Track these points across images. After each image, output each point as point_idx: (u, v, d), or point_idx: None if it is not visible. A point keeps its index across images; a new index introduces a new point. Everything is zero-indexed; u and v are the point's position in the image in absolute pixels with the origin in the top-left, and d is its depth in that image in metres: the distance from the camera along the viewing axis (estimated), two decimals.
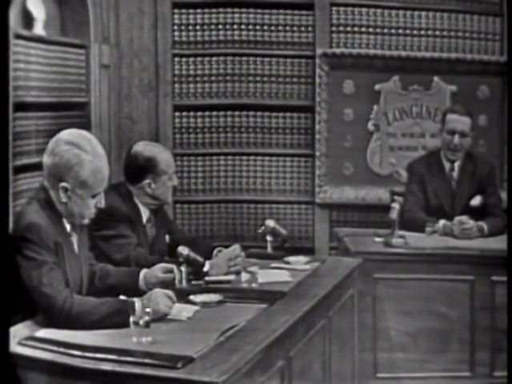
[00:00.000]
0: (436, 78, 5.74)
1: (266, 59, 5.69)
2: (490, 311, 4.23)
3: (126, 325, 2.65)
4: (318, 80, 5.65)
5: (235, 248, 3.60)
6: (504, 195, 5.00)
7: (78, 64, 5.05)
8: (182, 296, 3.05)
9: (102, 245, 3.51)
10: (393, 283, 4.23)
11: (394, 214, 4.27)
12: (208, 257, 3.48)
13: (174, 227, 4.05)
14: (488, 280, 4.23)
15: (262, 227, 4.08)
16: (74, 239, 2.96)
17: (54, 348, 2.46)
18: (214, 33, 5.65)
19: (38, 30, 4.77)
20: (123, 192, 3.67)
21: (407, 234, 4.34)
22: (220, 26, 5.65)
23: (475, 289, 4.24)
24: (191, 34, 5.65)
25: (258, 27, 5.66)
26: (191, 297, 3.07)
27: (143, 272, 3.15)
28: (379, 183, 5.70)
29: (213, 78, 5.67)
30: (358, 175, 5.75)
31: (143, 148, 3.70)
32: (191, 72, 5.67)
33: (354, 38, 5.68)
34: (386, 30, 5.68)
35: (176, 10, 5.63)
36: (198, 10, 5.64)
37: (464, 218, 4.44)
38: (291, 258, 3.86)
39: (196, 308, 2.97)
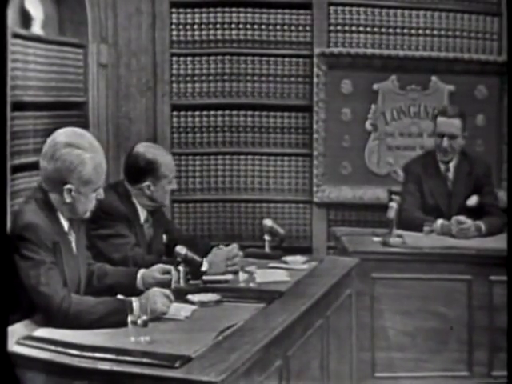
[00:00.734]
0: (434, 78, 5.74)
1: (264, 58, 5.69)
2: (488, 311, 4.23)
3: (124, 324, 2.66)
4: (315, 79, 5.65)
5: (233, 247, 3.60)
6: (503, 195, 5.02)
7: (76, 63, 5.05)
8: (180, 295, 3.05)
9: (100, 244, 3.51)
10: (391, 282, 4.23)
11: (391, 214, 4.28)
12: (206, 256, 3.48)
13: (171, 227, 4.05)
14: (486, 279, 4.23)
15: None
16: (72, 238, 2.96)
17: (52, 347, 2.46)
18: (211, 32, 5.65)
19: (36, 29, 4.77)
20: (121, 191, 3.67)
21: (405, 234, 4.34)
22: (218, 26, 5.64)
23: (473, 288, 4.24)
24: (189, 33, 5.65)
25: (255, 26, 5.66)
26: (189, 296, 3.07)
27: (141, 272, 3.15)
28: (377, 183, 5.70)
29: (211, 78, 5.67)
30: (356, 175, 5.76)
31: (146, 150, 3.70)
32: (189, 71, 5.67)
33: (351, 37, 5.68)
34: (383, 30, 5.68)
35: (174, 10, 5.63)
36: (196, 10, 5.64)
37: (462, 217, 4.44)
38: (289, 258, 3.86)
39: (194, 307, 2.97)
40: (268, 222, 4.06)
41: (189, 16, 5.64)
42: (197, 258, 3.32)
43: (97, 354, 2.41)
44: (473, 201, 4.62)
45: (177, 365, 2.34)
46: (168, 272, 3.15)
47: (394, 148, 5.78)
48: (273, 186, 5.75)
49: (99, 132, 5.21)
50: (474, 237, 4.41)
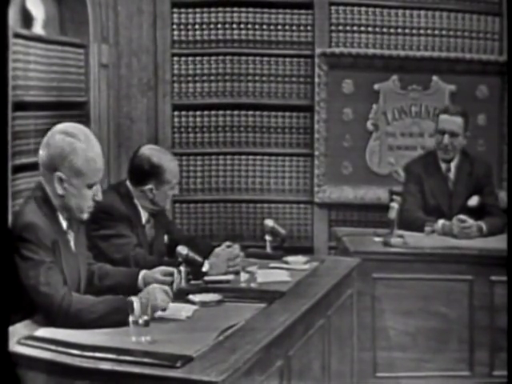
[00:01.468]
0: (435, 78, 5.74)
1: (265, 58, 5.69)
2: (489, 311, 4.23)
3: (124, 324, 2.65)
4: (317, 79, 5.65)
5: (234, 248, 3.60)
6: (503, 194, 5.01)
7: (77, 63, 5.05)
8: (181, 295, 3.05)
9: (101, 244, 3.51)
10: (392, 283, 4.23)
11: (392, 214, 4.28)
12: (207, 256, 3.48)
13: (172, 227, 4.05)
14: (487, 280, 4.23)
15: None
16: (71, 237, 2.96)
17: (53, 347, 2.46)
18: (213, 32, 5.65)
19: (37, 29, 4.77)
20: (123, 192, 3.66)
21: (406, 234, 4.35)
22: (219, 26, 5.64)
23: (474, 288, 4.24)
24: (190, 33, 5.65)
25: (257, 26, 5.66)
26: (190, 296, 3.07)
27: (142, 273, 3.15)
28: (378, 183, 5.70)
29: (212, 78, 5.67)
30: (357, 175, 5.75)
31: (152, 153, 3.69)
32: (190, 71, 5.67)
33: (353, 37, 5.68)
34: (385, 30, 5.68)
35: (175, 9, 5.63)
36: (197, 10, 5.64)
37: (463, 216, 4.44)
38: (290, 258, 3.86)
39: (195, 307, 2.97)
40: (269, 223, 4.06)
41: (190, 16, 5.64)
42: (198, 258, 3.32)
43: (98, 354, 2.41)
44: (474, 201, 4.62)
45: (178, 365, 2.34)
46: (170, 274, 3.15)
47: (395, 148, 5.78)
48: (274, 186, 5.75)
49: (100, 132, 5.21)
50: (475, 237, 4.41)
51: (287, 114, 5.72)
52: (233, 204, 5.72)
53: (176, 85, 5.67)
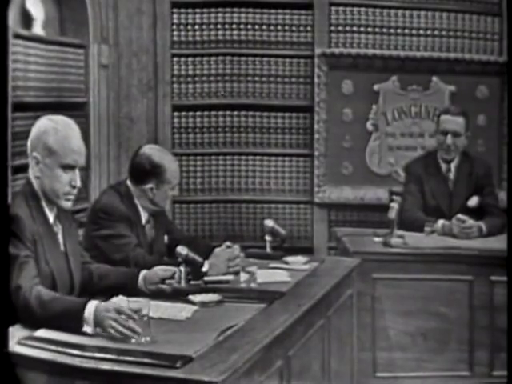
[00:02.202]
0: (435, 78, 5.74)
1: (265, 59, 5.69)
2: (489, 311, 4.23)
3: (75, 329, 2.58)
4: (316, 80, 5.66)
5: (234, 248, 3.60)
6: (503, 195, 5.01)
7: (77, 64, 5.05)
8: (181, 296, 3.05)
9: (101, 244, 3.51)
10: (392, 283, 4.23)
11: (392, 214, 4.28)
12: (207, 257, 3.48)
13: (172, 227, 4.05)
14: (487, 280, 4.23)
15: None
16: (58, 230, 2.95)
17: (54, 347, 2.46)
18: (212, 32, 5.65)
19: (37, 29, 4.78)
20: (123, 192, 3.66)
21: (406, 234, 4.35)
22: (219, 26, 5.65)
23: (474, 289, 4.24)
24: (190, 33, 5.65)
25: (256, 27, 5.66)
26: (190, 297, 3.07)
27: (143, 273, 3.15)
28: (378, 183, 5.70)
29: (211, 78, 5.67)
30: (357, 175, 5.76)
31: (153, 152, 3.69)
32: (190, 72, 5.67)
33: (352, 37, 5.68)
34: (384, 30, 5.68)
35: (175, 10, 5.64)
36: (197, 10, 5.64)
37: (463, 216, 4.44)
38: (290, 258, 3.86)
39: (195, 308, 2.98)
40: (269, 223, 4.06)
41: (190, 16, 5.64)
42: (198, 258, 3.32)
43: (98, 354, 2.41)
44: (473, 201, 4.62)
45: (178, 365, 2.34)
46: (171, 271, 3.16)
47: (394, 148, 5.78)
48: (274, 187, 5.75)
49: (100, 132, 5.21)
50: (475, 237, 4.41)
51: (287, 114, 5.73)
52: (233, 204, 5.72)
53: (176, 85, 5.67)
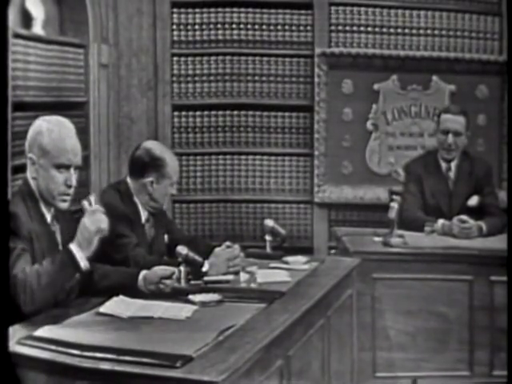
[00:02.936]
0: (435, 78, 5.74)
1: (265, 59, 5.69)
2: (489, 311, 4.23)
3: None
4: (316, 79, 5.66)
5: (234, 248, 3.60)
6: (503, 195, 5.01)
7: (77, 64, 5.05)
8: (181, 296, 3.05)
9: (101, 244, 3.50)
10: (392, 283, 4.23)
11: (392, 214, 4.27)
12: (207, 256, 3.48)
13: (172, 227, 4.04)
14: (487, 280, 4.23)
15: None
16: (56, 229, 2.96)
17: (53, 347, 2.46)
18: (212, 32, 5.65)
19: (37, 29, 4.77)
20: (123, 190, 3.66)
21: (406, 234, 4.35)
22: (219, 26, 5.65)
23: (474, 288, 4.24)
24: (190, 33, 5.65)
25: (256, 26, 5.66)
26: (190, 296, 3.06)
27: (143, 273, 3.15)
28: (378, 182, 5.70)
29: (211, 78, 5.67)
30: (357, 174, 5.76)
31: (154, 146, 3.70)
32: (190, 71, 5.67)
33: (352, 37, 5.68)
34: (384, 30, 5.68)
35: (175, 10, 5.64)
36: (197, 10, 5.64)
37: (464, 216, 4.44)
38: (290, 258, 3.85)
39: (195, 308, 2.97)
40: (269, 223, 4.05)
41: (190, 16, 5.64)
42: (198, 258, 3.32)
43: (98, 354, 2.41)
44: (473, 201, 4.62)
45: (178, 365, 2.34)
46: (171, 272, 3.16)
47: (394, 148, 5.78)
48: (274, 186, 5.75)
49: (100, 132, 5.21)
50: (475, 237, 4.41)
51: (287, 114, 5.73)
52: (233, 204, 5.72)
53: (176, 85, 5.67)
